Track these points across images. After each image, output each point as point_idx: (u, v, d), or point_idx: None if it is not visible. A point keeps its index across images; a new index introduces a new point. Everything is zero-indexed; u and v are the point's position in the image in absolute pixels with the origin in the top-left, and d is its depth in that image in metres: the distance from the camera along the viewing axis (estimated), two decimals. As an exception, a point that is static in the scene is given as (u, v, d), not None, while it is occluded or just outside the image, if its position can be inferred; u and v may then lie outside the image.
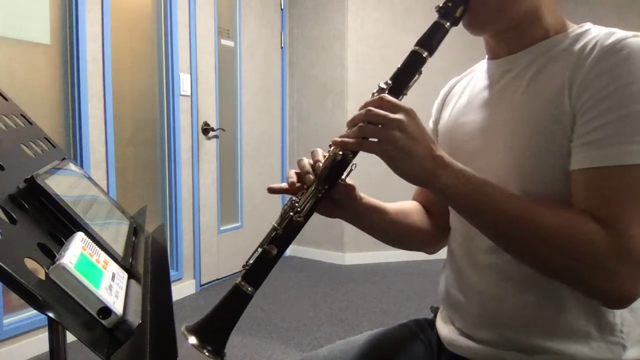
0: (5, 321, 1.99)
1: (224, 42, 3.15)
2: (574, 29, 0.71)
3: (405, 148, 0.60)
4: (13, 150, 0.64)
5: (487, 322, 0.72)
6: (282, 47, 3.69)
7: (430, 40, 0.69)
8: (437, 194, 0.65)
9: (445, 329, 0.81)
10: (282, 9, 3.66)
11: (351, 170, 0.70)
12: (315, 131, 3.68)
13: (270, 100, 3.62)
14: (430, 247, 0.92)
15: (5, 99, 0.78)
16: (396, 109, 0.62)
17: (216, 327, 0.66)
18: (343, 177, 0.70)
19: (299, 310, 2.65)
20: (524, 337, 0.69)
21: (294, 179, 0.72)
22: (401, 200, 0.91)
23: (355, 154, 0.67)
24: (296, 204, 0.68)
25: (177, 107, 2.76)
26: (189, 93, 2.84)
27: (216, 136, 3.09)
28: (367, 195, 0.81)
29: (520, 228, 0.62)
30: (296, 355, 2.13)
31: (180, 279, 2.87)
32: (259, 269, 0.67)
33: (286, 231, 0.68)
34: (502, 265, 0.71)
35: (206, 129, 2.98)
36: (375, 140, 0.61)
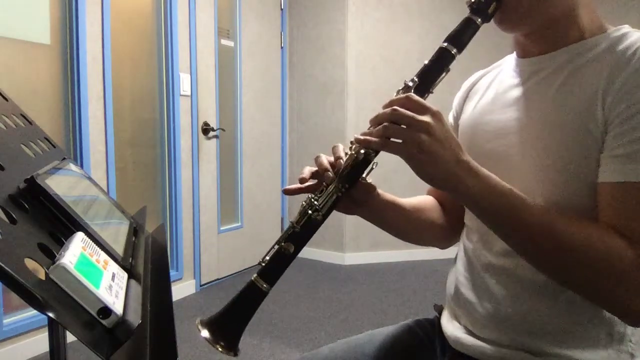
0: (5, 321, 1.99)
1: (224, 42, 3.14)
2: (612, 31, 0.68)
3: (430, 151, 0.58)
4: (13, 150, 0.64)
5: (497, 324, 0.72)
6: (282, 47, 3.69)
7: (460, 37, 0.66)
8: (460, 199, 0.63)
9: (450, 327, 0.80)
10: (282, 9, 3.66)
11: (372, 169, 0.69)
12: (315, 131, 3.68)
13: (270, 100, 3.62)
14: (444, 242, 0.91)
15: (5, 99, 0.78)
16: (423, 110, 0.59)
17: (230, 322, 0.66)
18: (364, 175, 0.69)
19: (299, 310, 2.65)
20: (534, 341, 0.68)
21: (306, 176, 0.71)
22: (411, 193, 0.90)
23: (377, 152, 0.65)
24: (315, 202, 0.67)
25: (177, 107, 2.76)
26: (189, 93, 2.84)
27: (216, 136, 3.09)
28: (384, 192, 0.80)
29: (542, 241, 0.60)
30: (296, 355, 2.13)
31: (180, 279, 2.87)
32: (275, 266, 0.66)
33: (304, 229, 0.67)
34: (517, 269, 0.70)
35: (206, 129, 2.98)
36: (400, 141, 0.59)
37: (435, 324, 0.88)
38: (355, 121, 3.54)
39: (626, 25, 0.68)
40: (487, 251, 0.75)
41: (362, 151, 0.66)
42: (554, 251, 0.60)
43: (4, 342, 1.97)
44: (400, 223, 0.84)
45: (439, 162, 0.58)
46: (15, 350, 2.01)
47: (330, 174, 0.68)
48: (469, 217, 0.83)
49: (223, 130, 3.13)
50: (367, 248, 3.60)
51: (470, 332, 0.76)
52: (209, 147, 3.05)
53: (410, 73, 0.67)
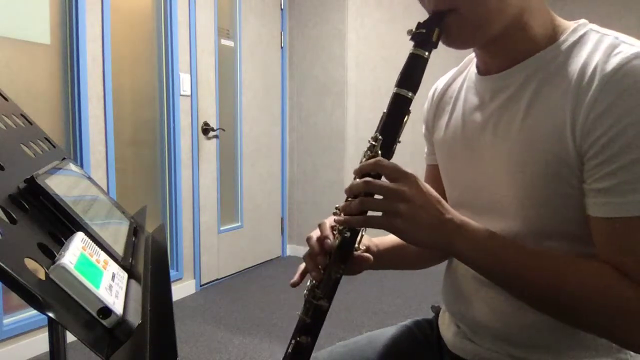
0: (5, 321, 1.99)
1: (224, 42, 3.14)
2: (567, 36, 0.63)
3: (412, 220, 0.57)
4: (13, 150, 0.64)
5: (490, 335, 0.71)
6: (282, 47, 3.69)
7: (411, 78, 0.63)
8: (453, 256, 0.63)
9: (447, 330, 0.80)
10: (282, 9, 3.66)
11: (362, 235, 0.69)
12: (315, 131, 3.68)
13: (270, 100, 3.62)
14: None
15: (5, 99, 0.78)
16: (396, 175, 0.58)
17: None
18: (356, 245, 0.69)
19: (299, 310, 2.65)
20: (530, 354, 0.68)
21: (299, 273, 0.75)
22: None
23: None
24: (317, 290, 0.68)
25: (177, 107, 2.76)
26: (189, 93, 2.84)
27: (216, 136, 3.09)
28: (382, 240, 0.80)
29: (542, 294, 0.59)
30: (296, 355, 2.13)
31: (180, 279, 2.87)
32: None
33: (314, 319, 0.68)
34: None
35: (206, 129, 2.98)
36: (380, 213, 0.58)
37: (434, 324, 0.88)
38: (355, 121, 3.54)
39: (582, 22, 0.64)
40: None
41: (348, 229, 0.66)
42: (553, 300, 0.58)
43: (4, 342, 1.97)
44: (407, 260, 0.85)
45: (423, 228, 0.58)
46: (15, 350, 2.01)
47: (323, 258, 0.68)
48: None
49: (223, 130, 3.12)
50: (367, 248, 3.60)
51: (466, 337, 0.76)
52: (209, 147, 3.05)
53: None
